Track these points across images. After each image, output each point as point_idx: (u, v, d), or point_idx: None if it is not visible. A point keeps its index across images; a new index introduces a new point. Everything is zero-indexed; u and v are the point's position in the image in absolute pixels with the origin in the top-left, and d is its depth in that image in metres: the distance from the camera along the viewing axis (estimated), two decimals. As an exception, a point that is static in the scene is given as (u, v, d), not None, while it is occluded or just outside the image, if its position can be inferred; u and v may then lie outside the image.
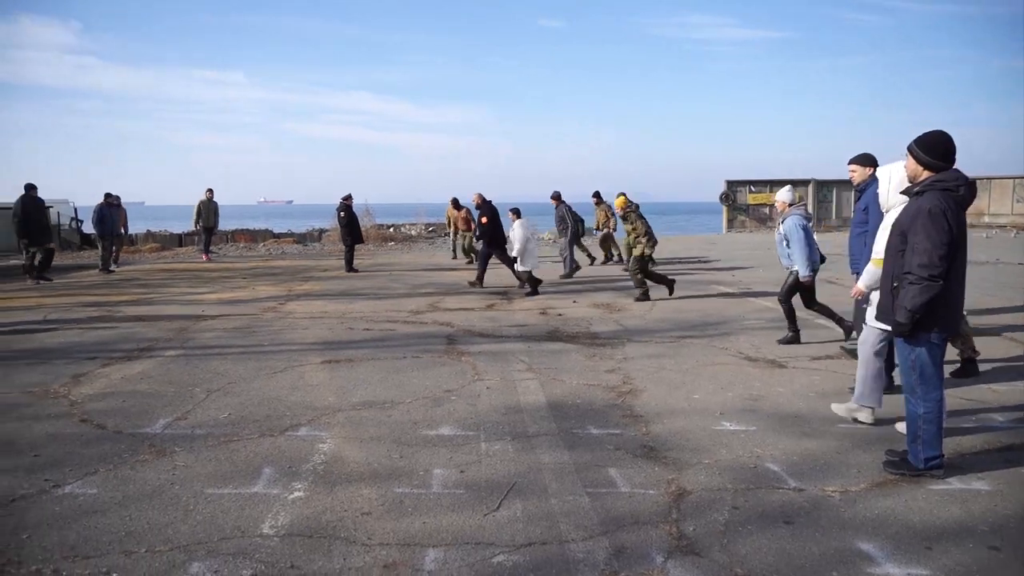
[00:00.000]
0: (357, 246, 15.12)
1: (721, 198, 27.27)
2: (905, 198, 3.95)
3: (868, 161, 5.74)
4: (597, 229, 15.49)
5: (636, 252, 10.07)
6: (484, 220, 11.94)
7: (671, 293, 10.13)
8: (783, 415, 4.79)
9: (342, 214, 14.55)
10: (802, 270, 6.77)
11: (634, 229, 10.17)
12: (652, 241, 10.06)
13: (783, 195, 7.03)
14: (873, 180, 5.35)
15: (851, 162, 5.78)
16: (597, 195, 15.15)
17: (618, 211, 10.80)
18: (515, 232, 11.15)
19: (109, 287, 12.17)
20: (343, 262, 14.78)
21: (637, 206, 10.42)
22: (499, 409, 4.99)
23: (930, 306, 3.53)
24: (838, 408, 4.78)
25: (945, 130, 3.69)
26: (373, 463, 3.97)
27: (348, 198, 14.57)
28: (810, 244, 6.78)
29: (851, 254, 5.67)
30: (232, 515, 3.32)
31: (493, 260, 11.95)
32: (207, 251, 18.06)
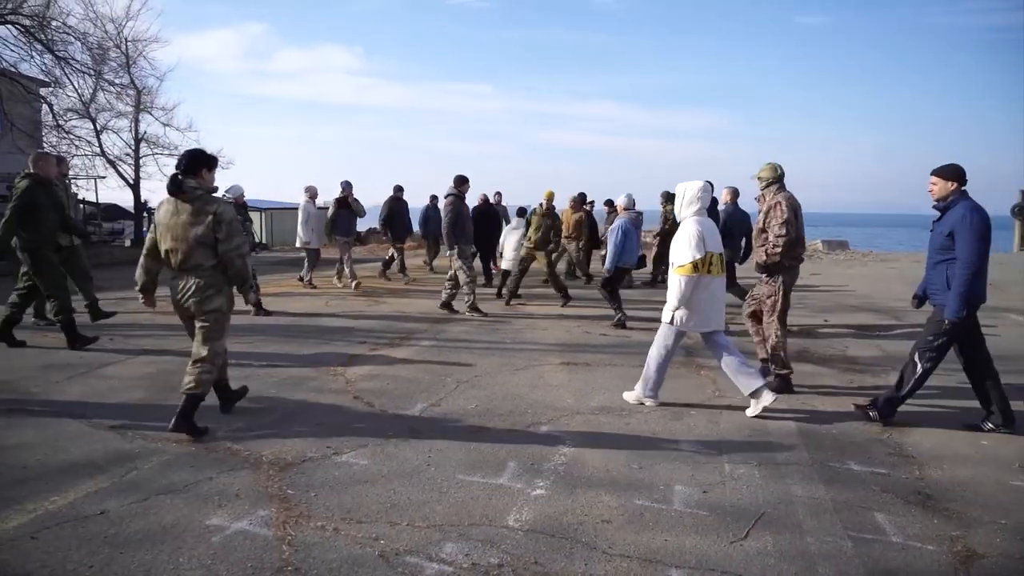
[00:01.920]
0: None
1: (1013, 211, 23.20)
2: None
3: (952, 174, 4.60)
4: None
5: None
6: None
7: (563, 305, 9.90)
8: (1110, 478, 3.90)
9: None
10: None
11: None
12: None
13: (620, 200, 8.85)
14: (959, 198, 4.56)
15: (933, 173, 4.68)
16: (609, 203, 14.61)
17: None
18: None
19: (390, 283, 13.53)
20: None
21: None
22: (743, 429, 4.69)
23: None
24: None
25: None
26: (612, 470, 3.94)
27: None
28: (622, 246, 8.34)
29: (929, 285, 4.77)
30: (480, 503, 3.49)
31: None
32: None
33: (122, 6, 28.87)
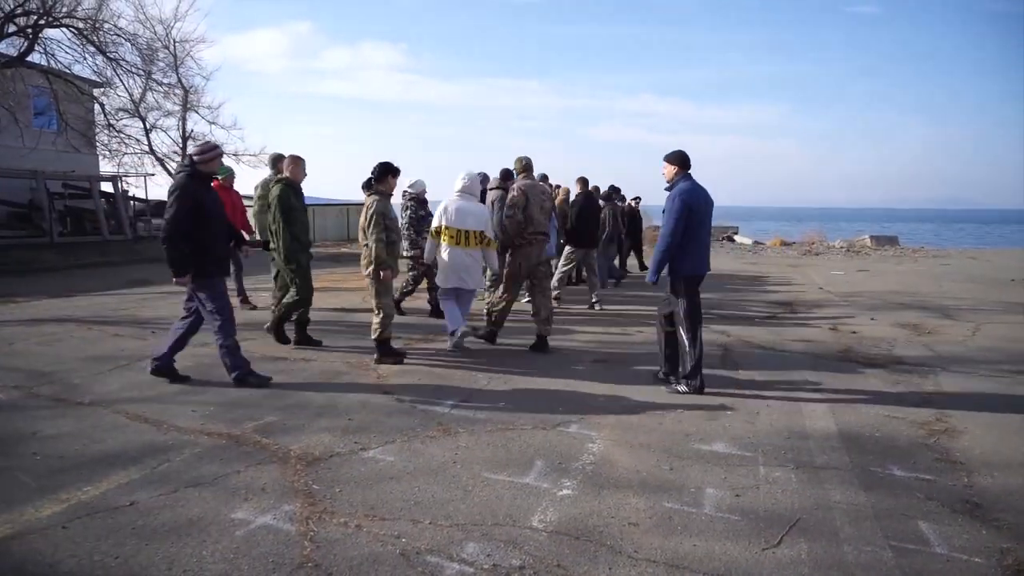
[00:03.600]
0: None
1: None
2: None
3: (676, 160, 5.35)
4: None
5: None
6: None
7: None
8: None
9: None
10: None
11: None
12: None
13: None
14: (679, 181, 5.30)
15: (664, 159, 5.41)
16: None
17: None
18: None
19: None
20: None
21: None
22: (780, 432, 4.53)
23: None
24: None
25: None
26: (642, 471, 3.84)
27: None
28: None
29: None
30: (505, 502, 3.43)
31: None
32: None
33: (171, 7, 29.65)
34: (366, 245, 6.07)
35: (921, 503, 3.49)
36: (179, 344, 5.50)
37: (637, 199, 14.65)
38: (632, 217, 14.02)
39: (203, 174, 5.32)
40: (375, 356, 6.22)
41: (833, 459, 4.05)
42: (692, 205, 5.16)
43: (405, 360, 6.26)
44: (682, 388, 5.37)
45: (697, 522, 3.26)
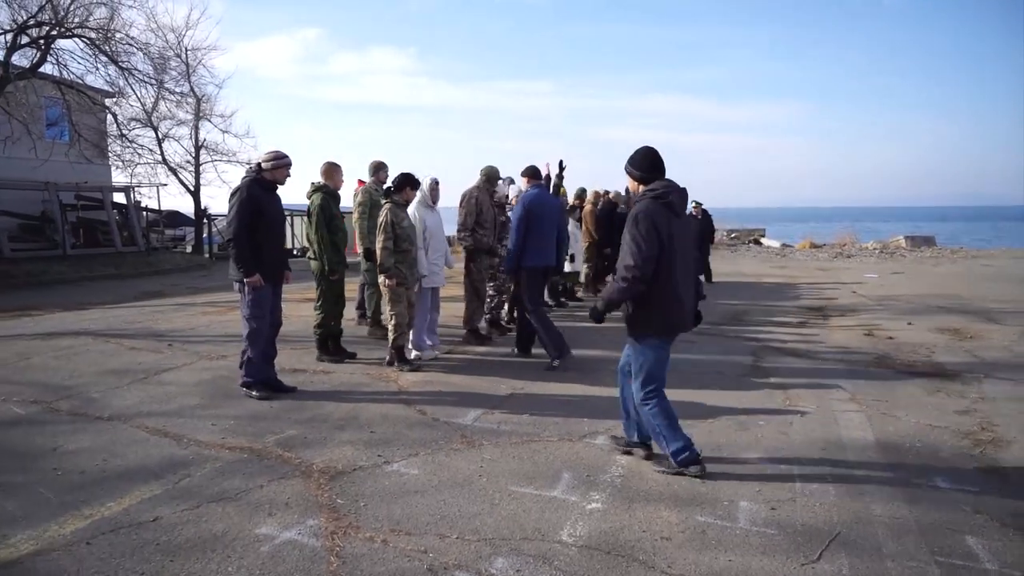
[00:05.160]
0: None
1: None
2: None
3: (529, 173, 7.04)
4: None
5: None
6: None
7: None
8: None
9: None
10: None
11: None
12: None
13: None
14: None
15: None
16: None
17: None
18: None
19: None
20: None
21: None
22: (816, 442, 4.50)
23: (642, 307, 3.90)
24: None
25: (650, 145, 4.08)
26: (673, 483, 3.84)
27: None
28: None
29: None
30: (533, 516, 3.45)
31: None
32: None
33: (182, 16, 30.19)
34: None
35: (968, 517, 3.46)
36: (265, 353, 5.59)
37: (697, 204, 13.59)
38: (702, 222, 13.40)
39: (267, 181, 5.51)
40: (388, 358, 6.48)
41: (872, 471, 4.03)
42: (532, 209, 6.64)
43: (424, 369, 6.33)
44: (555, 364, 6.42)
45: (732, 536, 3.25)
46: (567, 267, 10.46)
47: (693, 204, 13.67)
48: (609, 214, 11.15)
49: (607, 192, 11.72)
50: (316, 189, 6.64)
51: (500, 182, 8.15)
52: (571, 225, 10.82)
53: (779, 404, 5.36)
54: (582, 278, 11.38)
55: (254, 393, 5.46)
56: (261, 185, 5.44)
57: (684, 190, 3.96)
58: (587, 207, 11.10)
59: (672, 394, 5.55)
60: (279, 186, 5.69)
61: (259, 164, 5.55)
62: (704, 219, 13.53)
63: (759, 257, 22.07)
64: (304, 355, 6.92)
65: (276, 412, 5.11)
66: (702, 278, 12.25)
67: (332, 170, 6.77)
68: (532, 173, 6.98)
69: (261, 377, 5.52)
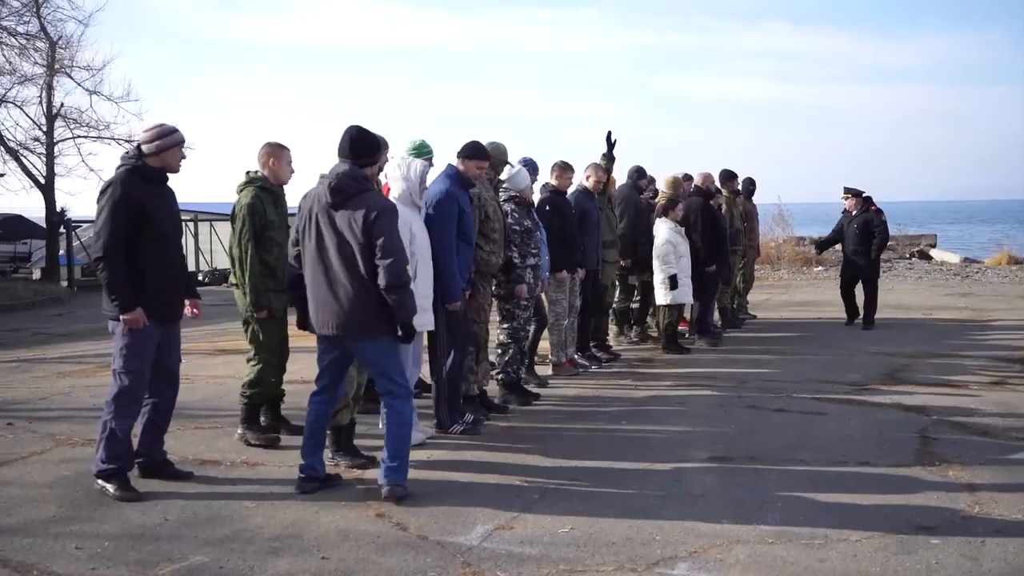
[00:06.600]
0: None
1: None
2: None
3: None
4: None
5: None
6: None
7: None
8: None
9: None
10: None
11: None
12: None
13: None
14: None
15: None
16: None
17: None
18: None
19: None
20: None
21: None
22: (1021, 572, 4.46)
23: None
24: None
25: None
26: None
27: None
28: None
29: None
30: None
31: None
32: None
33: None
34: None
35: None
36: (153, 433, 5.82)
37: (857, 193, 13.59)
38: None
39: (152, 169, 5.58)
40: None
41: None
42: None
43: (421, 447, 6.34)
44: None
45: None
46: (661, 297, 10.39)
47: (848, 195, 13.24)
48: (704, 208, 11.10)
49: (688, 177, 11.71)
50: (248, 182, 6.75)
51: (509, 168, 8.19)
52: (667, 228, 10.63)
53: (962, 509, 5.33)
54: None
55: (112, 489, 5.53)
56: (143, 176, 5.50)
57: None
58: (661, 200, 11.06)
59: (794, 499, 5.55)
60: (170, 176, 5.77)
61: (139, 146, 5.61)
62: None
63: (927, 279, 22.00)
64: (218, 437, 6.95)
65: (174, 527, 5.12)
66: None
67: (273, 154, 6.81)
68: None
69: (125, 463, 5.57)
